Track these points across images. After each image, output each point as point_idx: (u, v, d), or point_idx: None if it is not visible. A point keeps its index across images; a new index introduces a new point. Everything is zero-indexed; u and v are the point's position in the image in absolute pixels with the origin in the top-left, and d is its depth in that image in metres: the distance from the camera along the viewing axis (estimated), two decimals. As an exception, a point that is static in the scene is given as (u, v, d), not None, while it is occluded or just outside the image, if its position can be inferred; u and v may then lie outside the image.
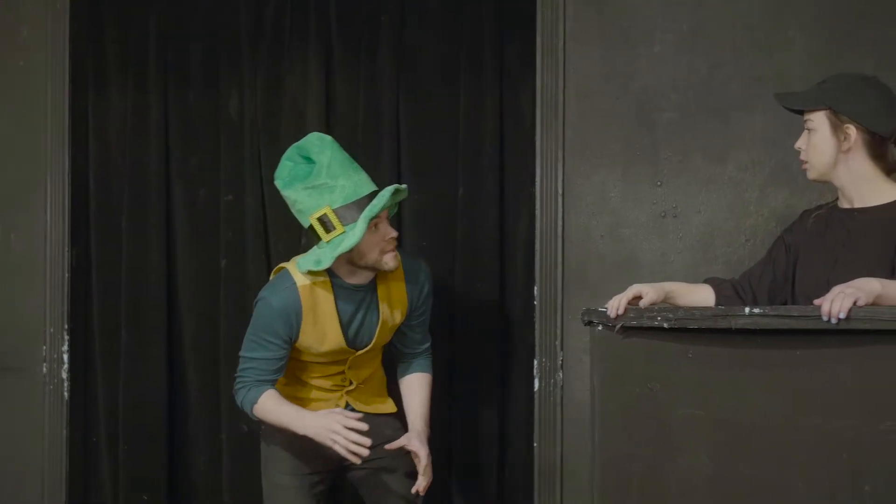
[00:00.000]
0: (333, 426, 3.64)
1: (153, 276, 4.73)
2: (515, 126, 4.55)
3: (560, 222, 4.37)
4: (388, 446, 3.85)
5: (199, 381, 4.76)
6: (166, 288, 4.74)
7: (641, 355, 3.12)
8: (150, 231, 4.74)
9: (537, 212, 4.40)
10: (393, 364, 4.12)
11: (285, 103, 4.70)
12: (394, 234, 3.76)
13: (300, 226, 4.60)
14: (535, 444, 4.41)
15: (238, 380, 3.86)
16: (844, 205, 3.37)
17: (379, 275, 3.85)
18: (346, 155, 3.79)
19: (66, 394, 4.75)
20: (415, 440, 3.85)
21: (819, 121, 3.31)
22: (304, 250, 4.60)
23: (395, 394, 4.10)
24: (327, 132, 4.60)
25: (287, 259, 4.65)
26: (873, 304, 2.86)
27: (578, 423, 4.32)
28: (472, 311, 4.50)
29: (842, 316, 2.80)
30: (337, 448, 3.64)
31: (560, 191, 4.37)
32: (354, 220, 3.66)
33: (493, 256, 4.54)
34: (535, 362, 4.39)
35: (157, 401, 4.73)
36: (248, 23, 4.71)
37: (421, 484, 3.82)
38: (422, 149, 4.59)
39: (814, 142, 3.32)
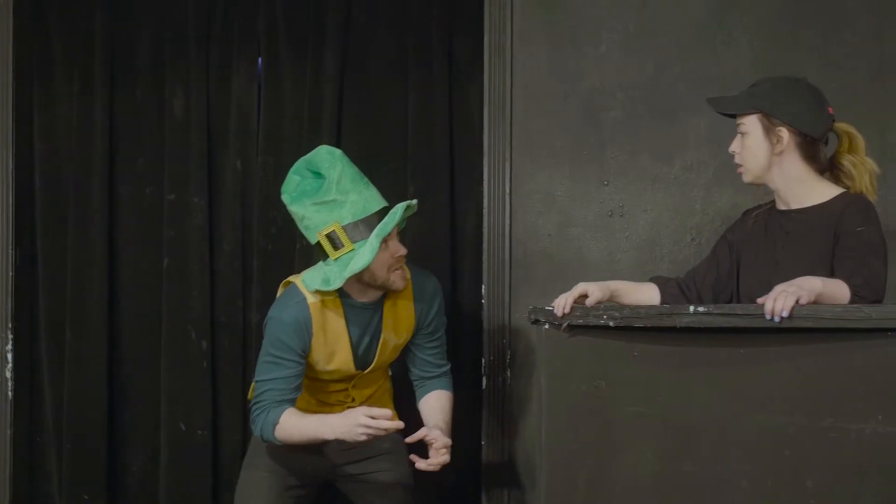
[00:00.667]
0: (361, 420, 3.51)
1: (97, 275, 4.69)
2: (464, 124, 4.56)
3: (508, 221, 4.38)
4: (408, 439, 3.69)
5: (139, 381, 4.74)
6: (109, 287, 4.71)
7: (588, 354, 3.14)
8: (96, 230, 4.70)
9: (485, 210, 4.41)
10: (404, 377, 4.06)
11: (232, 103, 4.68)
12: (403, 251, 3.68)
13: (248, 226, 4.61)
14: (482, 442, 4.41)
15: (255, 406, 3.73)
16: (781, 206, 3.41)
17: (387, 292, 3.76)
18: (357, 169, 3.70)
19: (10, 393, 4.69)
20: (434, 430, 3.72)
21: (751, 124, 3.34)
22: (255, 250, 4.62)
23: (401, 409, 4.06)
24: (275, 131, 4.60)
25: (233, 259, 4.66)
26: (815, 302, 2.90)
27: (526, 421, 4.34)
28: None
29: (784, 314, 2.83)
30: (372, 437, 3.55)
31: (508, 189, 4.38)
32: (364, 238, 3.58)
33: (443, 255, 4.55)
34: (483, 360, 4.40)
35: (99, 400, 4.70)
36: (195, 22, 4.68)
37: (424, 462, 3.68)
38: (370, 147, 4.58)
39: (747, 145, 3.36)
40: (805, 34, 4.23)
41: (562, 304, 3.19)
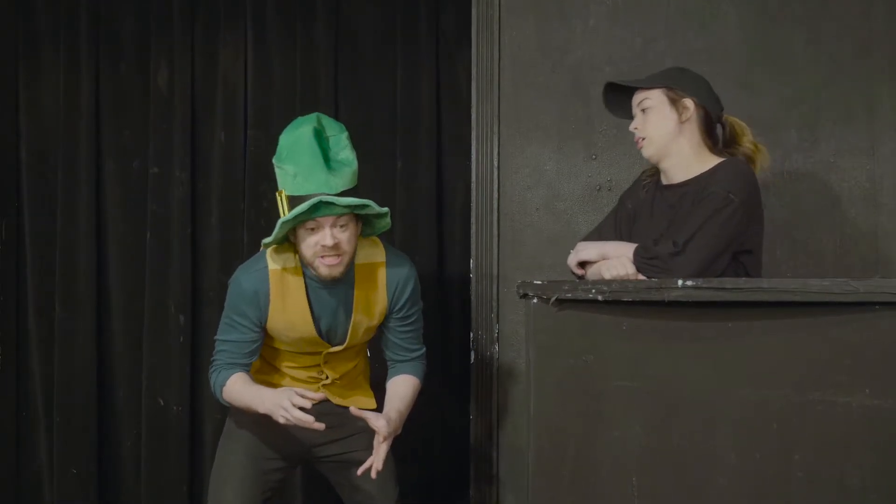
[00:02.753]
0: (283, 403, 3.45)
1: (83, 249, 4.70)
2: (452, 98, 4.56)
3: (496, 195, 4.37)
4: (352, 410, 3.58)
5: (127, 356, 4.74)
6: (97, 260, 4.72)
7: (576, 328, 3.14)
8: (82, 203, 4.70)
9: (473, 184, 4.40)
10: (384, 358, 4.00)
11: (218, 77, 4.67)
12: (327, 243, 3.50)
13: (233, 199, 4.61)
14: (471, 417, 4.42)
15: (212, 364, 3.73)
16: (665, 181, 3.53)
17: (358, 273, 3.69)
18: (315, 146, 3.50)
19: (-7, 367, 4.73)
20: (381, 418, 3.60)
21: (657, 98, 3.48)
22: (244, 225, 4.62)
23: (378, 391, 3.97)
24: (264, 105, 4.59)
25: (216, 232, 4.67)
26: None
27: (514, 395, 4.34)
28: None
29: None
30: (289, 422, 3.49)
31: (496, 163, 4.37)
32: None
33: (431, 229, 4.55)
34: (472, 335, 4.40)
35: (87, 375, 4.71)
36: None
37: (367, 463, 3.59)
38: (360, 122, 4.57)
39: (652, 118, 3.49)
40: (793, 8, 4.22)
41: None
